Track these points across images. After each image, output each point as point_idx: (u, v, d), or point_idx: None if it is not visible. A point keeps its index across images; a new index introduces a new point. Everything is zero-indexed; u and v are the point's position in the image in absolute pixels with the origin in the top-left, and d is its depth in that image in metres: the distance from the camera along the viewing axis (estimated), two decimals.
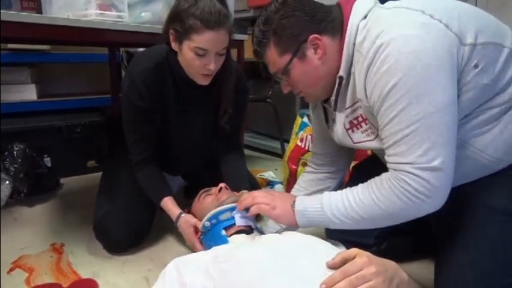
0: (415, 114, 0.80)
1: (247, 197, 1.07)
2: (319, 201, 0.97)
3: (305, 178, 1.29)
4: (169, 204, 1.31)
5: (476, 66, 0.83)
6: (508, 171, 0.91)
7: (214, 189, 1.27)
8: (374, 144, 0.96)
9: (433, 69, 0.79)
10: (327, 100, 1.06)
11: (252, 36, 1.02)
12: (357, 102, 0.95)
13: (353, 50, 0.92)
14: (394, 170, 0.87)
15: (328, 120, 1.12)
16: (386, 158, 0.88)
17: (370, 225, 0.92)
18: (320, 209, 0.96)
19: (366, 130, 0.98)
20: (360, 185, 0.94)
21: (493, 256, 0.87)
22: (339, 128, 1.04)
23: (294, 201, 1.01)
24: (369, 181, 0.93)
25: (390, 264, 0.75)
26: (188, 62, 1.21)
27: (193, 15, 1.12)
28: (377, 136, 0.94)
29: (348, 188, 0.96)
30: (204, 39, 1.14)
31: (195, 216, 1.25)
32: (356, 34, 0.91)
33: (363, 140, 1.00)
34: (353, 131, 1.01)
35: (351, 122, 1.00)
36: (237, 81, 1.39)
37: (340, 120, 1.02)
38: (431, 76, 0.79)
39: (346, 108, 0.99)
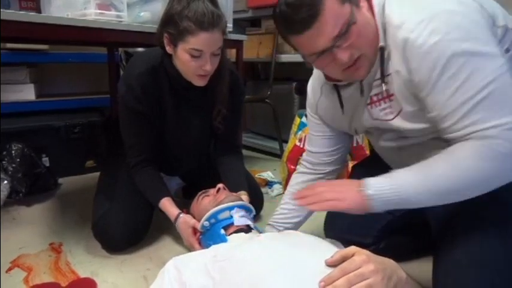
0: (483, 78, 0.77)
1: (309, 192, 0.95)
2: (393, 180, 0.87)
3: (298, 180, 1.27)
4: (167, 205, 1.32)
5: (507, 50, 0.83)
6: None
7: (212, 191, 1.27)
8: (395, 123, 0.93)
9: (483, 40, 0.78)
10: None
11: (293, 6, 0.87)
12: (388, 75, 0.90)
13: (383, 22, 0.88)
14: (472, 138, 0.80)
15: (343, 105, 1.07)
16: (453, 134, 0.83)
17: (454, 198, 0.85)
18: (395, 188, 0.85)
19: (385, 109, 0.94)
20: (436, 157, 0.85)
21: (499, 251, 0.84)
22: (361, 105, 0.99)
23: (360, 188, 0.89)
24: (445, 151, 0.84)
25: (389, 262, 0.75)
26: (184, 64, 1.21)
27: (186, 17, 1.13)
28: (396, 116, 0.91)
29: (422, 162, 0.86)
30: (199, 40, 1.14)
31: (194, 218, 1.25)
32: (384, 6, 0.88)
33: (381, 118, 0.97)
34: (371, 107, 0.98)
35: (370, 98, 0.97)
36: (233, 82, 1.39)
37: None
38: (484, 43, 0.78)
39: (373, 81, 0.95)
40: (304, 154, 1.29)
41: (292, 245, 0.83)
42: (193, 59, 1.18)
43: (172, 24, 1.16)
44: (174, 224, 1.29)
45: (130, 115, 1.31)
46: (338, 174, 1.29)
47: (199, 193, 1.31)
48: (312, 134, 1.25)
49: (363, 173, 1.19)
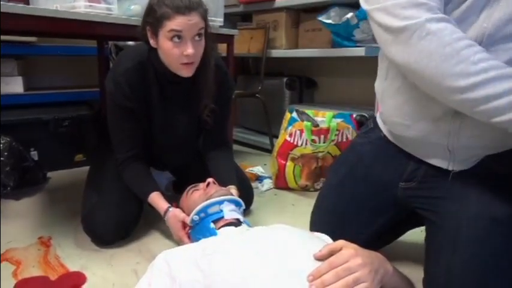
0: None
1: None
2: None
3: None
4: (156, 199, 1.32)
5: None
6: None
7: (202, 185, 1.27)
8: None
9: None
10: None
11: None
12: None
13: None
14: None
15: None
16: None
17: None
18: None
19: None
20: None
21: (502, 275, 0.83)
22: None
23: None
24: None
25: (376, 256, 0.77)
26: (167, 53, 1.21)
27: (163, 4, 1.15)
28: None
29: None
30: (176, 22, 1.16)
31: (183, 212, 1.26)
32: None
33: None
34: None
35: None
36: (221, 77, 1.39)
37: None
38: None
39: None
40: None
41: (282, 238, 0.84)
42: (175, 44, 1.18)
43: (151, 14, 1.18)
44: (164, 218, 1.29)
45: (119, 111, 1.31)
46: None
47: (189, 187, 1.31)
48: None
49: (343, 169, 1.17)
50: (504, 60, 0.74)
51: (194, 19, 1.17)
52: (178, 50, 1.19)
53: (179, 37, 1.17)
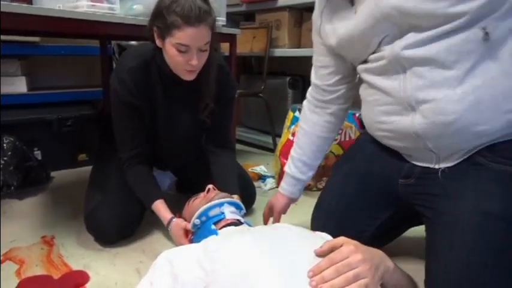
0: None
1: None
2: None
3: (311, 120, 1.26)
4: (160, 208, 1.31)
5: None
6: (503, 166, 0.88)
7: (203, 194, 1.27)
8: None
9: None
10: None
11: None
12: None
13: None
14: None
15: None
16: None
17: None
18: None
19: None
20: None
21: (499, 271, 0.82)
22: None
23: None
24: None
25: (376, 252, 0.77)
26: (171, 58, 1.22)
27: (174, 12, 1.14)
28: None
29: None
30: (185, 35, 1.15)
31: (186, 221, 1.26)
32: None
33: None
34: None
35: None
36: (223, 77, 1.39)
37: None
38: None
39: None
40: (309, 89, 1.25)
41: (282, 235, 0.84)
42: (180, 53, 1.19)
43: (161, 18, 1.17)
44: (167, 228, 1.29)
45: (123, 109, 1.31)
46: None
47: (190, 198, 1.31)
48: (316, 65, 1.19)
49: (346, 169, 1.17)
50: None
51: (202, 32, 1.17)
52: (183, 59, 1.20)
53: (186, 48, 1.18)
